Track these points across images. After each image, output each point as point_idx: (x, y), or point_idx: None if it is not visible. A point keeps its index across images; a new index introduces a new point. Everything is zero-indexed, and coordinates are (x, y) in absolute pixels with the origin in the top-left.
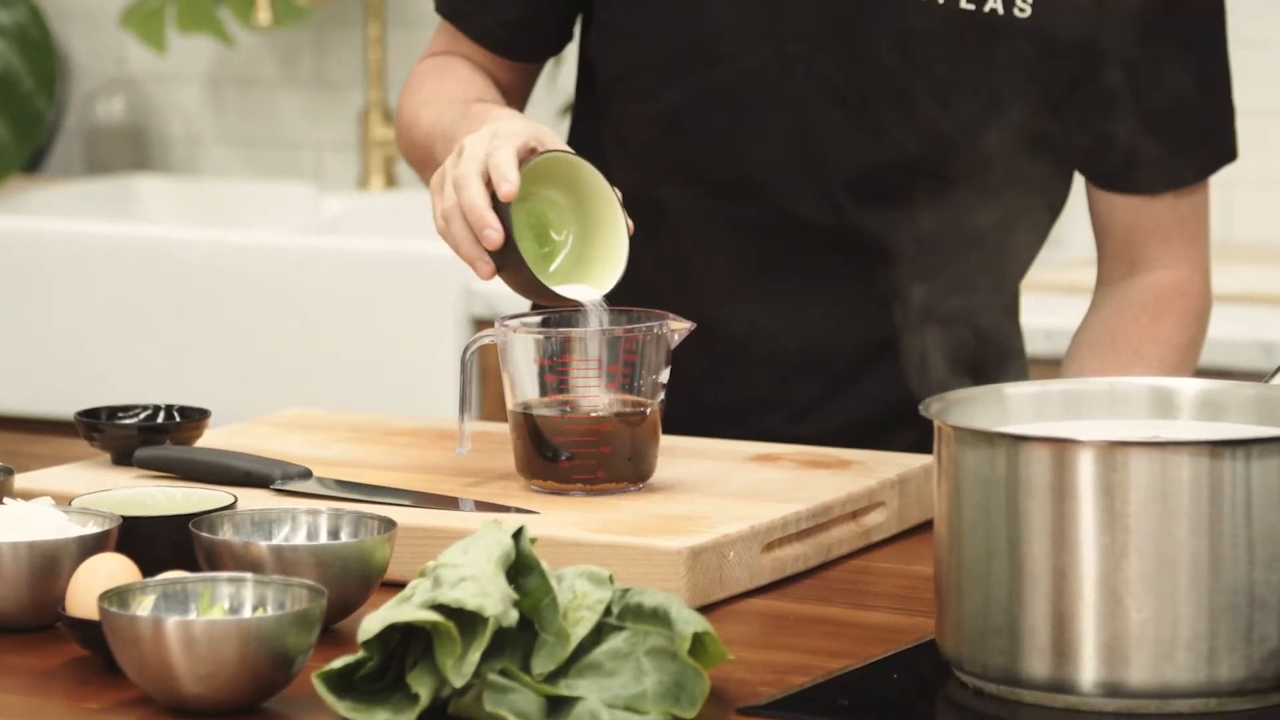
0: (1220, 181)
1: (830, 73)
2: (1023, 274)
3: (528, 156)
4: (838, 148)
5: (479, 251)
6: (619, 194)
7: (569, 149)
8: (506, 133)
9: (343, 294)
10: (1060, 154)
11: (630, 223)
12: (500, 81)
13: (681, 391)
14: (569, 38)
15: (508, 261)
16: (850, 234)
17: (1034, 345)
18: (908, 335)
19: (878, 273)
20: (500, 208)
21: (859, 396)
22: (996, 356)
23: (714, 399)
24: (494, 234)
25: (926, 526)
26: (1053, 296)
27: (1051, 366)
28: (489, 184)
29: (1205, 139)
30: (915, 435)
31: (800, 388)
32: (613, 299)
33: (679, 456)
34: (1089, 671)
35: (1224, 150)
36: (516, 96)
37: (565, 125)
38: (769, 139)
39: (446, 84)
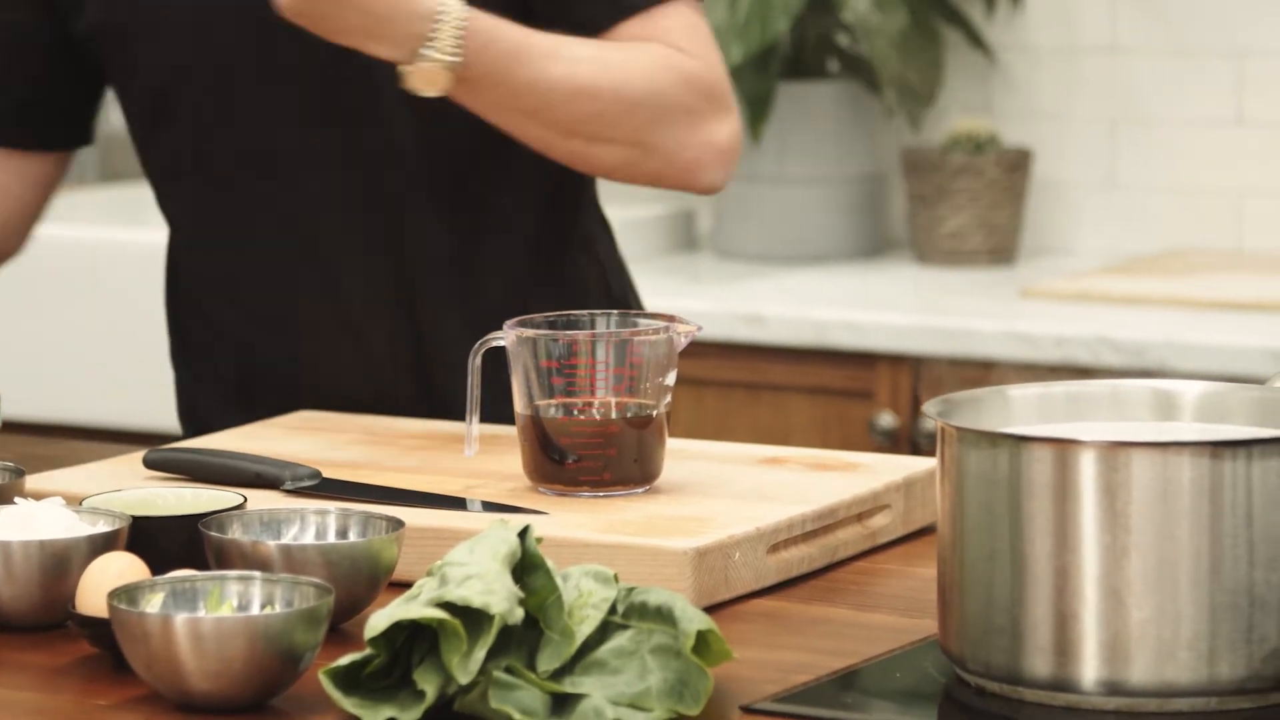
0: (1231, 191)
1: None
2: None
3: None
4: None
5: None
6: None
7: None
8: None
9: None
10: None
11: None
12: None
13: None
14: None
15: None
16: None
17: (1043, 352)
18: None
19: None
20: None
21: None
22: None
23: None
24: None
25: (932, 529)
26: (1062, 304)
27: (1062, 373)
28: None
29: None
30: None
31: None
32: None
33: (686, 458)
34: (1090, 670)
35: None
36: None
37: None
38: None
39: None
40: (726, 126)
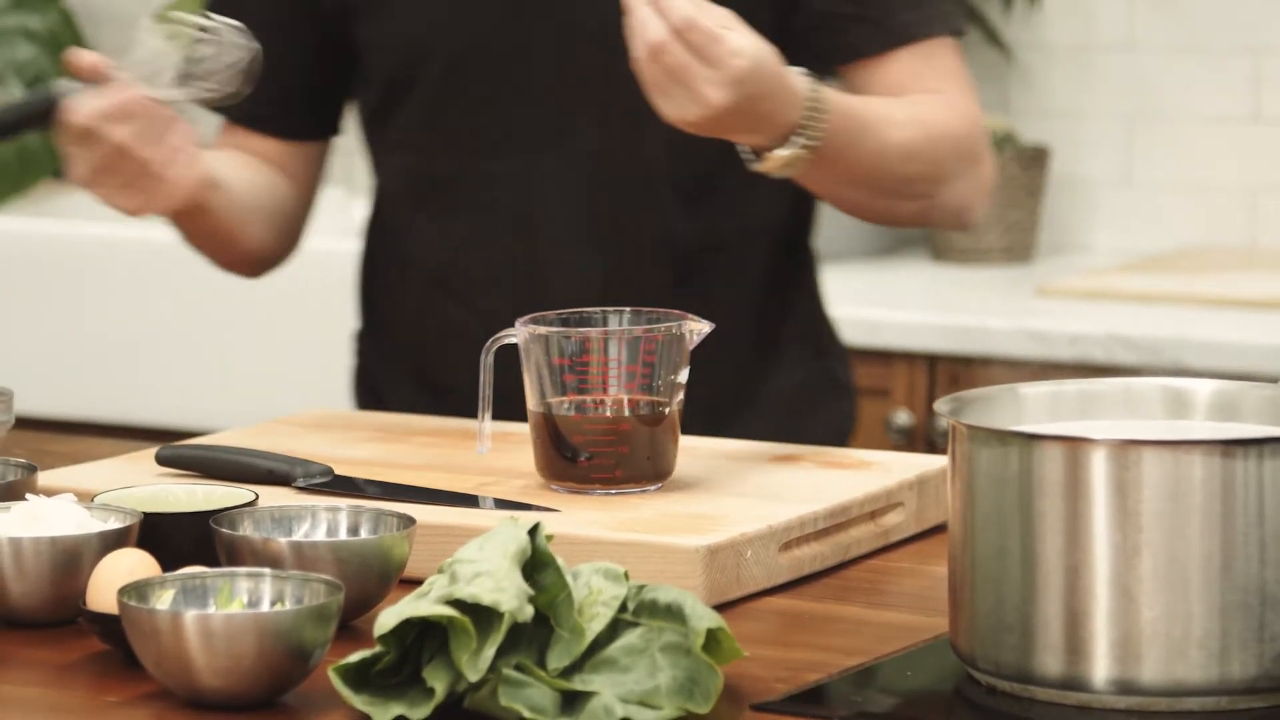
0: (1247, 188)
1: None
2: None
3: None
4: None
5: None
6: None
7: None
8: None
9: None
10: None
11: None
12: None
13: None
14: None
15: None
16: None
17: (1058, 350)
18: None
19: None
20: None
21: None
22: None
23: None
24: None
25: (945, 528)
26: (1078, 302)
27: (1077, 370)
28: None
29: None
30: None
31: None
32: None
33: (698, 456)
34: (1101, 669)
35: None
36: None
37: None
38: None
39: None
40: (991, 165)
